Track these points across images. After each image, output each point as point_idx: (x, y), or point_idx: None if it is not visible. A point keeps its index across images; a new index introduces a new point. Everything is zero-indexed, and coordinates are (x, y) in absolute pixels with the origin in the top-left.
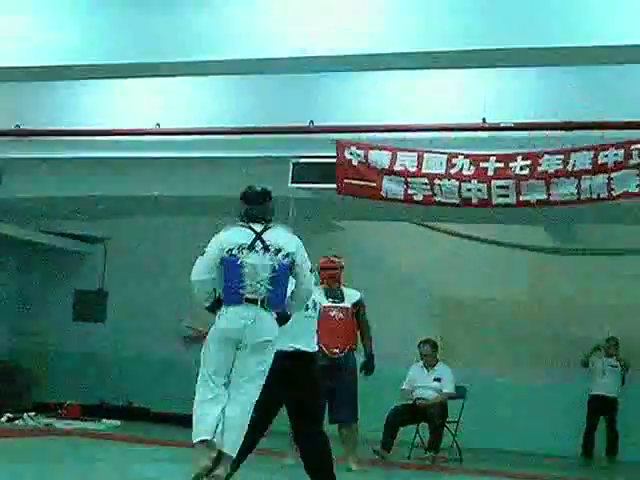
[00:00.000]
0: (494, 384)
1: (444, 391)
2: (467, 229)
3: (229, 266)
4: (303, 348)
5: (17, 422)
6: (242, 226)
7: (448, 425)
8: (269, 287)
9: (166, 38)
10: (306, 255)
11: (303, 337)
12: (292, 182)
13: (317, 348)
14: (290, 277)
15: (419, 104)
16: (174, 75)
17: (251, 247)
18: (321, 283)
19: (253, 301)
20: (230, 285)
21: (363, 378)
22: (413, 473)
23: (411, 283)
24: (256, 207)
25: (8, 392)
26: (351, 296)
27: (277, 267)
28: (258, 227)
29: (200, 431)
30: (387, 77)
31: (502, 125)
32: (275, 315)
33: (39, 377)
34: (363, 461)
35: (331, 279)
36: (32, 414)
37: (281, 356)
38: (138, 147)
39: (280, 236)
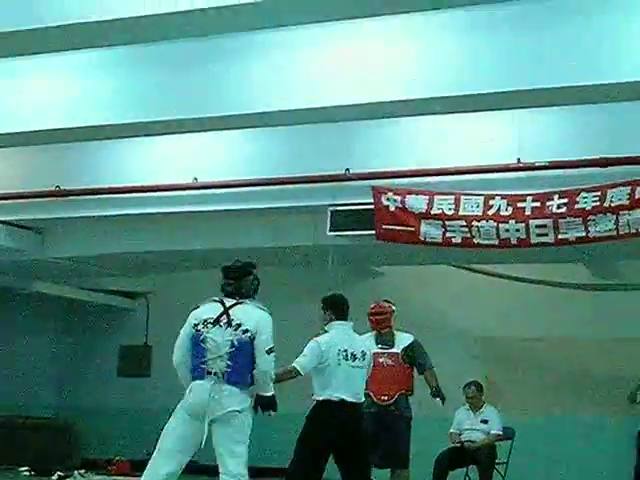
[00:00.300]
0: (542, 424)
1: (492, 432)
2: (507, 269)
3: (194, 341)
4: (349, 399)
5: None
6: (215, 301)
7: (497, 467)
8: (228, 362)
9: (198, 94)
10: (269, 334)
11: (349, 387)
12: (330, 230)
13: (363, 398)
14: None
15: (454, 147)
16: (208, 130)
17: (215, 322)
18: (372, 329)
19: (215, 375)
20: (194, 360)
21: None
22: None
23: (453, 325)
24: (231, 282)
25: (57, 450)
26: (403, 340)
27: (236, 343)
28: (230, 302)
29: None
30: (421, 122)
31: (537, 164)
32: (249, 394)
33: (87, 434)
34: None
35: (380, 325)
36: (82, 471)
37: (328, 406)
38: (177, 202)
39: (246, 312)
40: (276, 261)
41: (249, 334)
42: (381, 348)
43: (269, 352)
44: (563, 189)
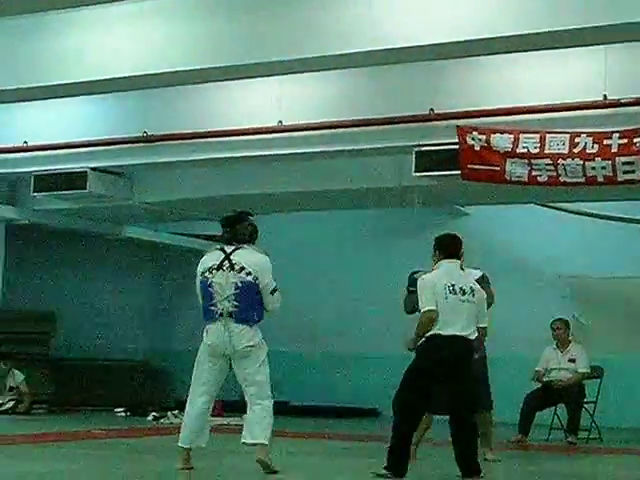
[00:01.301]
0: (630, 362)
1: (579, 371)
2: (593, 207)
3: (202, 287)
4: (459, 333)
5: (162, 420)
6: (216, 249)
7: (586, 406)
8: (235, 302)
9: (285, 35)
10: (269, 276)
11: (458, 321)
12: (415, 171)
13: (475, 334)
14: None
15: (538, 85)
16: (294, 72)
17: (219, 267)
18: None
19: (224, 315)
20: (205, 303)
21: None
22: (554, 456)
23: (540, 265)
24: (228, 229)
25: (151, 392)
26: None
27: (239, 284)
28: (230, 248)
29: (181, 438)
30: (505, 60)
31: (623, 101)
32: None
33: (180, 376)
34: (500, 445)
35: None
36: (176, 412)
37: (436, 340)
38: (262, 145)
39: (246, 256)
40: (362, 203)
41: (251, 276)
42: None
43: (273, 292)
44: None
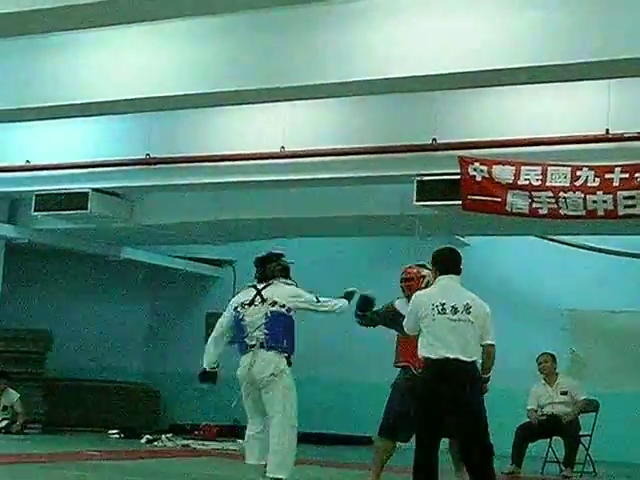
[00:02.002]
0: (627, 397)
1: (580, 398)
2: (594, 241)
3: (235, 321)
4: (452, 355)
5: (156, 443)
6: (249, 286)
7: (581, 439)
8: (265, 331)
9: (288, 62)
10: (299, 293)
11: (450, 343)
12: (417, 200)
13: (474, 357)
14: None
15: (542, 117)
16: (298, 99)
17: (251, 303)
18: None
19: (255, 346)
20: (238, 337)
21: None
22: None
23: (539, 298)
24: (260, 269)
25: (145, 414)
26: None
27: (269, 314)
28: (261, 285)
29: (248, 457)
30: (509, 92)
31: (626, 135)
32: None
33: (174, 399)
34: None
35: (411, 290)
36: (169, 435)
37: (428, 364)
38: (263, 171)
39: (277, 290)
40: (363, 231)
41: (279, 305)
42: None
43: (318, 300)
44: None
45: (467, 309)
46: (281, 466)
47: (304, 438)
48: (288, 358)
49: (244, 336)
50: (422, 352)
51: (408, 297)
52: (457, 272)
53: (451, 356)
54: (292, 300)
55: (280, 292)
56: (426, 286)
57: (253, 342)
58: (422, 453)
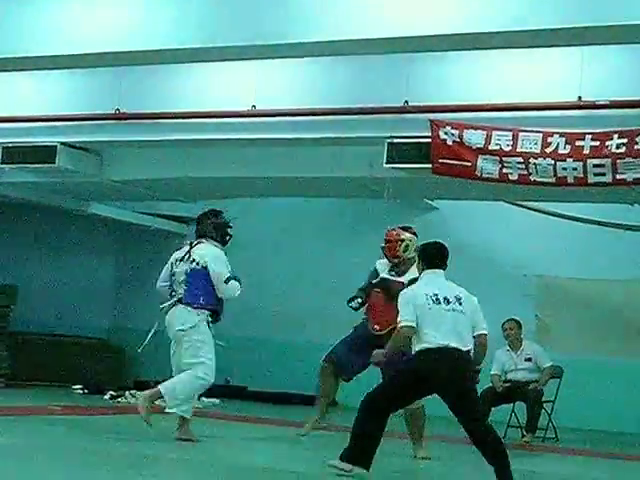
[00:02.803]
0: (590, 364)
1: (546, 365)
2: (562, 208)
3: (169, 274)
4: (450, 344)
5: (119, 400)
6: (186, 243)
7: (544, 405)
8: (184, 287)
9: (259, 20)
10: (220, 266)
11: (446, 332)
12: (387, 162)
13: (469, 345)
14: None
15: (514, 83)
16: (270, 57)
17: (182, 259)
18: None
19: (177, 301)
20: (170, 289)
21: None
22: (509, 453)
23: (505, 263)
24: (196, 226)
25: (109, 371)
26: (414, 272)
27: (189, 270)
28: (194, 243)
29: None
30: (482, 57)
31: (598, 103)
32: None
33: (138, 356)
34: (455, 441)
35: (390, 252)
36: (133, 392)
37: (425, 354)
38: (234, 129)
39: (202, 249)
40: (331, 192)
41: (196, 264)
42: (390, 275)
43: (227, 281)
44: (623, 129)
45: (458, 300)
46: (171, 400)
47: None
48: (212, 315)
49: (171, 291)
50: (422, 345)
51: (387, 259)
52: (443, 267)
53: (451, 344)
54: (207, 261)
55: (203, 252)
56: (404, 251)
57: (176, 298)
58: (387, 403)
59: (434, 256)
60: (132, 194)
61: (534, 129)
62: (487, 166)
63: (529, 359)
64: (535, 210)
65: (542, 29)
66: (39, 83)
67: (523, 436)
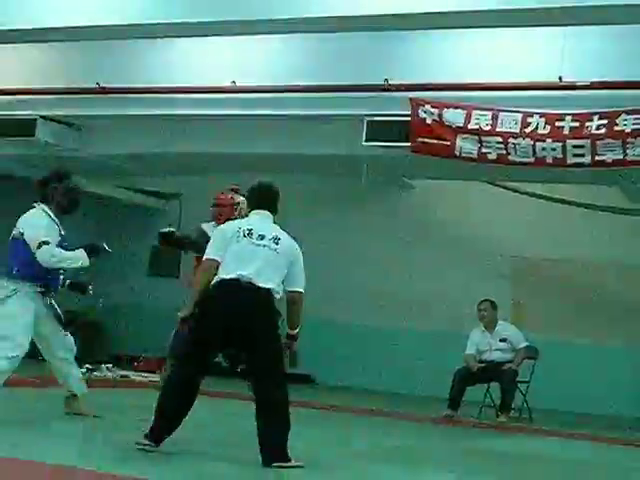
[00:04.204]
0: (566, 345)
1: (521, 346)
2: (541, 189)
3: None
4: (245, 278)
5: (95, 373)
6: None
7: (519, 385)
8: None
9: None
10: (33, 231)
11: (248, 266)
12: (366, 140)
13: (271, 284)
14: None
15: (494, 62)
16: (251, 33)
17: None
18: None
19: None
20: None
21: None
22: (483, 433)
23: (481, 243)
24: (38, 190)
25: (87, 344)
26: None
27: (10, 239)
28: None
29: None
30: (463, 35)
31: (578, 84)
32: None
33: (116, 331)
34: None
35: (221, 217)
36: (109, 366)
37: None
38: (214, 105)
39: (25, 216)
40: (312, 169)
41: (18, 232)
42: None
43: (40, 246)
44: (603, 110)
45: (275, 240)
46: None
47: None
48: (42, 287)
49: None
50: (217, 277)
51: (215, 223)
52: (271, 209)
53: (244, 273)
54: (22, 227)
55: (24, 216)
56: (239, 214)
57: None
58: (186, 369)
59: (261, 197)
60: (111, 169)
61: (514, 109)
62: (466, 145)
63: (504, 340)
64: (514, 191)
65: (524, 8)
66: (18, 56)
67: (498, 416)
